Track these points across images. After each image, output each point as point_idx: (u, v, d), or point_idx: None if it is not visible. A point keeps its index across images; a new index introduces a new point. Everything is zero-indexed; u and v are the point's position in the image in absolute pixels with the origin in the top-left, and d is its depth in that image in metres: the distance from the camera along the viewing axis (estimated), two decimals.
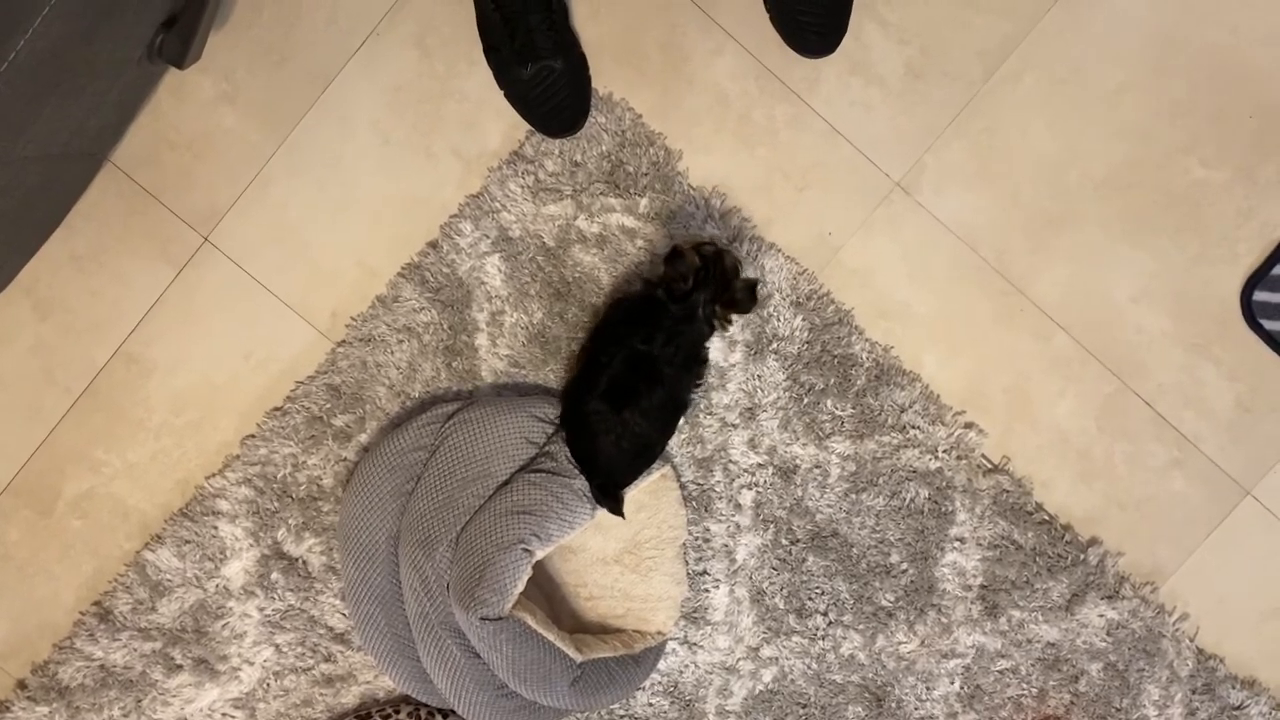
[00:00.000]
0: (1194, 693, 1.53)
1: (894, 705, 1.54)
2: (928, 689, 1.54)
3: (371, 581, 1.46)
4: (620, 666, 1.45)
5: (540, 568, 1.50)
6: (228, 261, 1.52)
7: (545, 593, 1.52)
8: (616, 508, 1.42)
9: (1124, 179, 1.51)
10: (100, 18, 1.14)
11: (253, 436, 1.53)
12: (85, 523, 1.55)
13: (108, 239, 1.51)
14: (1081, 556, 1.53)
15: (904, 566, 1.53)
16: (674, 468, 1.51)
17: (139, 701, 1.53)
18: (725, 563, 1.53)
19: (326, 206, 1.51)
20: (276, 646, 1.53)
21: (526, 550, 1.38)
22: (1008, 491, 1.52)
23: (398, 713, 1.50)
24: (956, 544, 1.52)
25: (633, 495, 1.46)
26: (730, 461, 1.52)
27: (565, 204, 1.49)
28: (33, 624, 1.55)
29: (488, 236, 1.50)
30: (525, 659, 1.37)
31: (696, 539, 1.53)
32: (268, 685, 1.53)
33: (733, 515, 1.53)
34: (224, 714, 1.54)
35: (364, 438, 1.52)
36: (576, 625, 1.52)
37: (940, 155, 1.50)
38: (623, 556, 1.51)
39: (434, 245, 1.51)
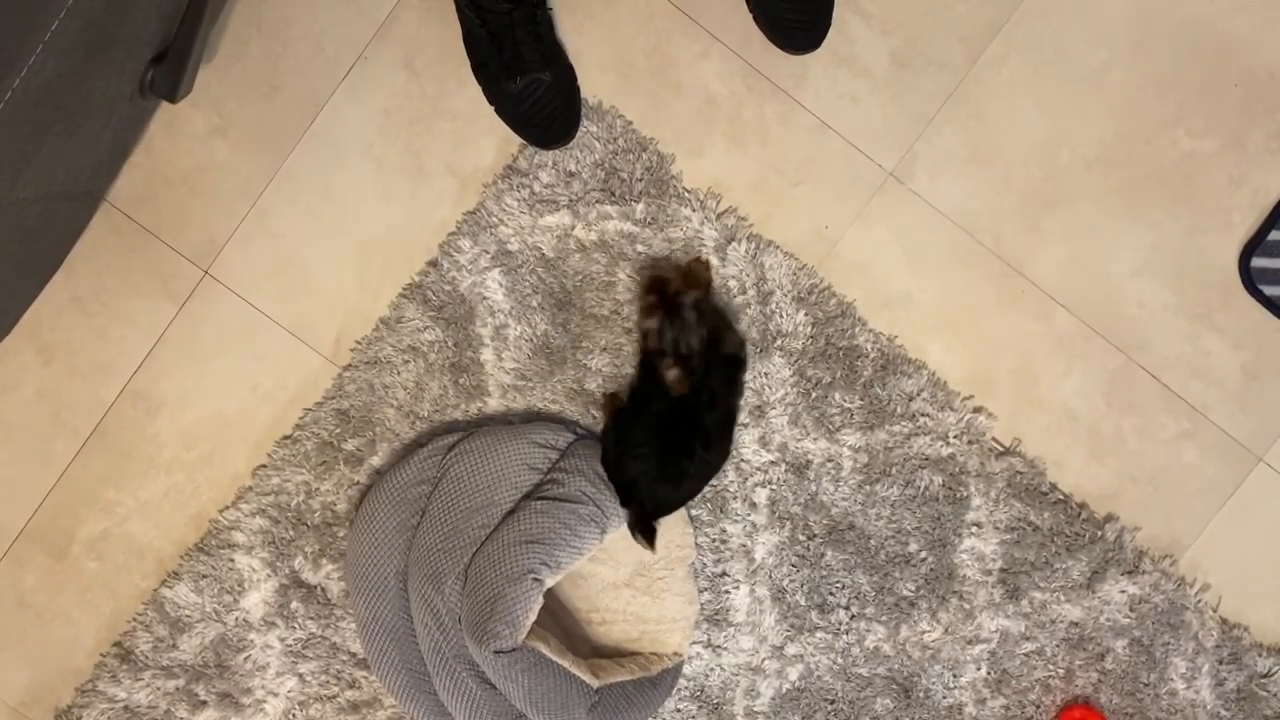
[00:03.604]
0: (1221, 663, 1.53)
1: (922, 695, 1.53)
2: (954, 676, 1.53)
3: (383, 618, 1.46)
4: (638, 690, 1.45)
5: (552, 595, 1.49)
6: (229, 294, 1.52)
7: (558, 620, 1.51)
8: (650, 539, 1.42)
9: (1115, 155, 1.52)
10: (92, 55, 1.14)
11: (264, 466, 1.53)
12: (101, 564, 1.54)
13: (108, 278, 1.51)
14: (1099, 534, 1.53)
15: (923, 555, 1.53)
16: None
17: None
18: (744, 563, 1.53)
19: (324, 233, 1.52)
20: (300, 676, 1.52)
21: (537, 580, 1.37)
22: (1021, 473, 1.53)
23: None
24: (973, 529, 1.52)
25: None
26: (742, 461, 1.52)
27: (562, 214, 1.50)
28: (54, 669, 1.54)
29: (487, 251, 1.50)
30: (542, 688, 1.37)
31: (714, 540, 1.53)
32: (293, 716, 1.53)
33: (748, 515, 1.53)
34: None
35: (375, 460, 1.52)
36: (592, 651, 1.51)
37: (931, 143, 1.51)
38: (633, 580, 1.50)
39: (434, 264, 1.51)
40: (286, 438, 1.52)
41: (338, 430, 1.52)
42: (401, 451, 1.52)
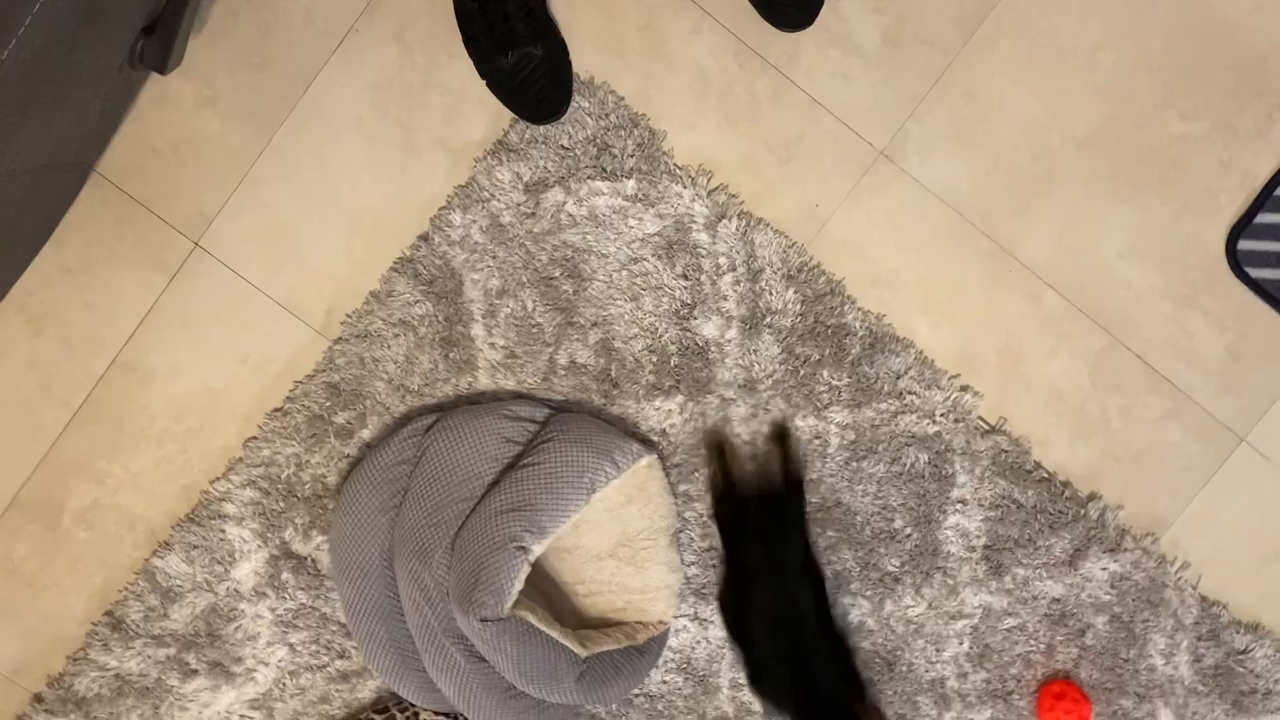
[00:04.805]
0: (1199, 639, 1.55)
1: (905, 669, 1.56)
2: (937, 651, 1.55)
3: (369, 598, 1.47)
4: (625, 658, 1.46)
5: (538, 568, 1.50)
6: (220, 266, 1.52)
7: (544, 593, 1.53)
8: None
9: (1105, 136, 1.52)
10: (81, 26, 1.14)
11: (255, 438, 1.53)
12: (92, 534, 1.55)
13: (98, 249, 1.51)
14: (1082, 511, 1.54)
15: (908, 531, 1.54)
16: (660, 456, 1.52)
17: (156, 708, 1.54)
18: None
19: (315, 205, 1.52)
20: (290, 646, 1.54)
21: (520, 548, 1.37)
22: (1006, 451, 1.54)
23: (417, 715, 1.51)
24: (958, 506, 1.54)
25: (620, 488, 1.47)
26: (733, 434, 1.53)
27: (553, 190, 1.50)
28: (46, 638, 1.55)
29: (478, 226, 1.51)
30: (530, 658, 1.38)
31: (702, 516, 1.54)
32: (284, 685, 1.54)
33: None
34: (241, 715, 1.54)
35: (366, 433, 1.53)
36: (579, 622, 1.52)
37: (922, 122, 1.51)
38: (617, 550, 1.51)
39: (425, 238, 1.51)
40: (277, 410, 1.53)
41: (328, 403, 1.52)
42: (391, 425, 1.53)
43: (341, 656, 1.54)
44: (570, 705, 1.46)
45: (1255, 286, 1.52)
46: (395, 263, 1.52)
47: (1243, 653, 1.56)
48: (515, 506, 1.40)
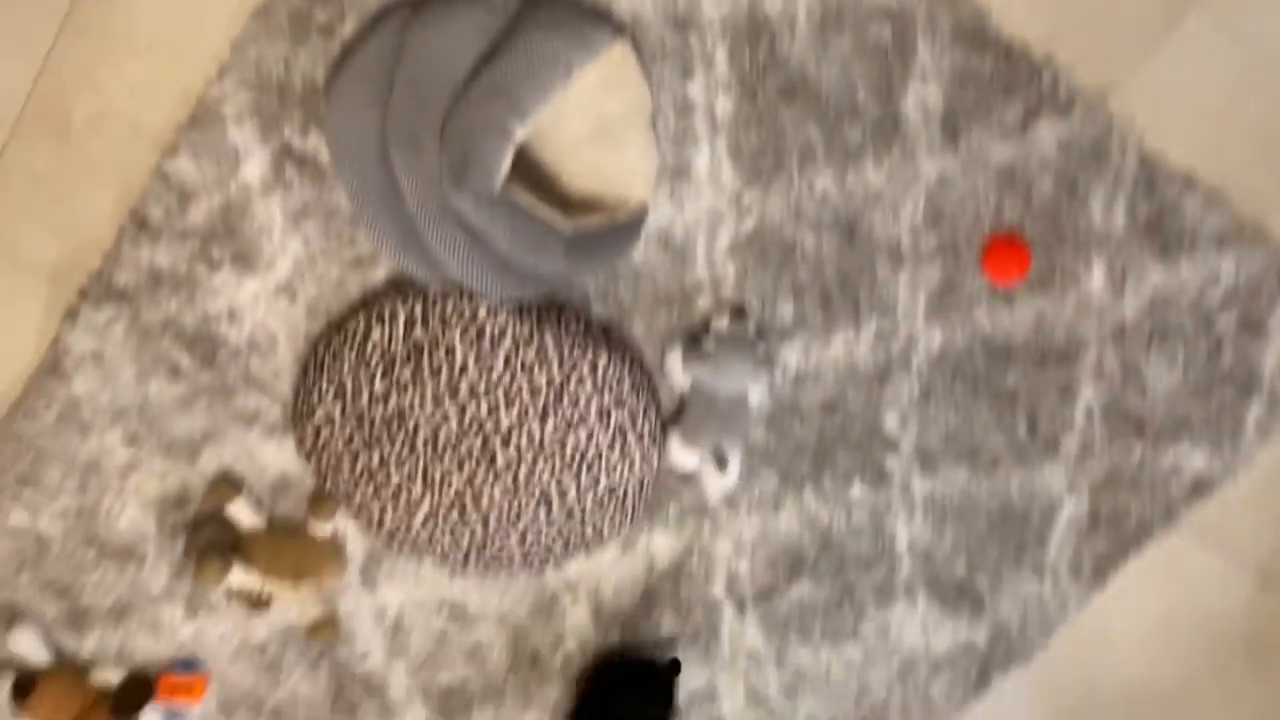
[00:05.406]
0: (1136, 189, 1.68)
1: (865, 235, 1.70)
2: (894, 215, 1.69)
3: (371, 186, 1.57)
4: (606, 233, 1.59)
5: (522, 158, 1.58)
6: None
7: (531, 180, 1.61)
8: None
9: None
10: None
11: (240, 40, 1.58)
12: (102, 141, 1.64)
13: None
14: (1036, 76, 1.62)
15: (870, 105, 1.63)
16: (633, 39, 1.57)
17: (191, 297, 1.69)
18: (704, 121, 1.63)
19: None
20: (304, 236, 1.67)
21: (506, 129, 1.46)
22: (966, 19, 1.59)
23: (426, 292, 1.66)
24: (919, 77, 1.62)
25: (596, 72, 1.52)
26: (703, 18, 1.58)
27: None
28: (79, 239, 1.68)
29: None
30: (520, 231, 1.51)
31: (675, 100, 1.62)
32: (302, 272, 1.69)
33: (708, 72, 1.61)
34: (267, 301, 1.70)
35: (346, 30, 1.58)
36: (563, 206, 1.62)
37: None
38: (595, 135, 1.59)
39: None
40: (258, 11, 1.57)
41: (307, 2, 1.56)
42: (368, 20, 1.57)
43: (352, 244, 1.68)
44: (559, 274, 1.62)
45: None
46: None
47: (1175, 204, 1.69)
48: (497, 92, 1.48)
